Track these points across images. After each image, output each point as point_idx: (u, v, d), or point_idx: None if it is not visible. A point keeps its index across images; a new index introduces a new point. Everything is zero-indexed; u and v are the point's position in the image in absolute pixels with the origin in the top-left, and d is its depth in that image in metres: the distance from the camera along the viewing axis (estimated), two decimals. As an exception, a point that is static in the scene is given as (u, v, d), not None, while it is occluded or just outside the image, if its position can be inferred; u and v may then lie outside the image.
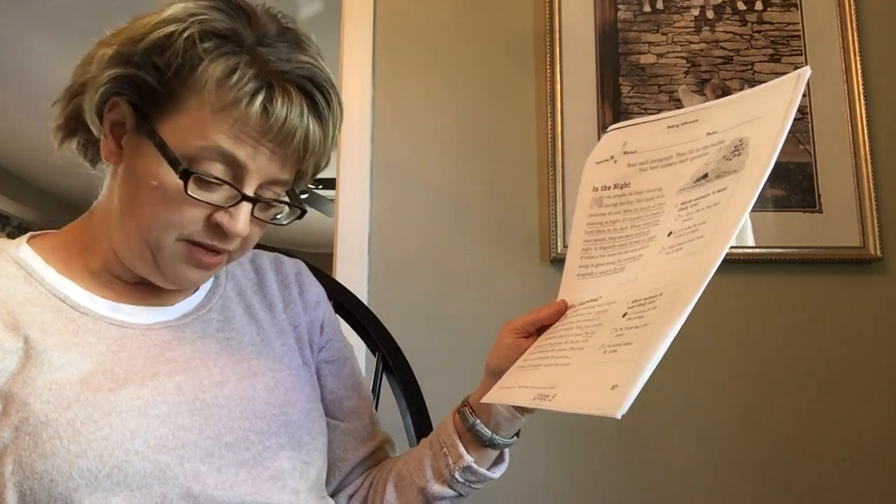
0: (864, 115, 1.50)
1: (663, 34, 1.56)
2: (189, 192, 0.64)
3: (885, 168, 1.51)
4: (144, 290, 0.74)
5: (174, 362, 0.69)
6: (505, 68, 1.58)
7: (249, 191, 0.67)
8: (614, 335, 0.58)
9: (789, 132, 0.58)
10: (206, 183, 0.65)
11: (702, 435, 1.43)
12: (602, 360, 0.57)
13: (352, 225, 1.53)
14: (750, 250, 1.48)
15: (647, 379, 0.50)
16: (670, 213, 0.65)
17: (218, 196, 0.66)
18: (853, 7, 1.55)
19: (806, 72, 0.59)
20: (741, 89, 1.53)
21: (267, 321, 0.80)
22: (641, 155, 0.71)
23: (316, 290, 0.88)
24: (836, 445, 1.43)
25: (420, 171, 1.56)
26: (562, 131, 1.52)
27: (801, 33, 1.55)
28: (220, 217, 0.67)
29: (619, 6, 1.58)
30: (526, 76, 1.58)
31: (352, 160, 1.55)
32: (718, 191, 0.60)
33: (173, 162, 0.64)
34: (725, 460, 1.42)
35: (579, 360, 0.60)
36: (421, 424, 1.01)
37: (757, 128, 0.61)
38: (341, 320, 1.00)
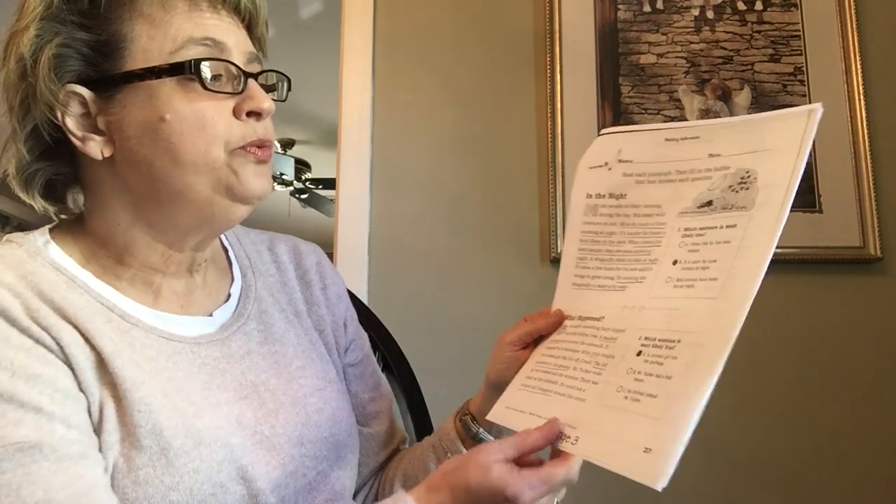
0: (864, 115, 1.50)
1: (663, 34, 1.56)
2: (208, 86, 0.62)
3: (885, 168, 1.50)
4: (175, 296, 0.70)
5: (227, 391, 0.67)
6: (505, 69, 1.58)
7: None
8: (632, 378, 0.57)
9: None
10: (209, 78, 0.62)
11: (698, 434, 1.43)
12: (623, 408, 0.56)
13: (352, 225, 1.53)
14: (750, 250, 1.47)
15: (685, 446, 0.50)
16: (672, 236, 0.64)
17: (225, 86, 0.64)
18: (853, 7, 1.55)
19: (818, 109, 0.57)
20: (741, 89, 1.53)
21: (300, 331, 0.78)
22: (638, 166, 0.68)
23: (338, 282, 0.86)
24: (835, 445, 1.43)
25: (420, 170, 1.56)
26: (562, 131, 1.52)
27: (801, 33, 1.55)
28: (242, 105, 0.64)
29: (619, 6, 1.58)
30: (526, 76, 1.58)
31: (352, 160, 1.55)
32: (727, 226, 0.59)
33: (173, 69, 0.61)
34: (723, 459, 1.42)
35: (597, 400, 0.58)
36: (421, 424, 1.01)
37: (765, 162, 0.59)
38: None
